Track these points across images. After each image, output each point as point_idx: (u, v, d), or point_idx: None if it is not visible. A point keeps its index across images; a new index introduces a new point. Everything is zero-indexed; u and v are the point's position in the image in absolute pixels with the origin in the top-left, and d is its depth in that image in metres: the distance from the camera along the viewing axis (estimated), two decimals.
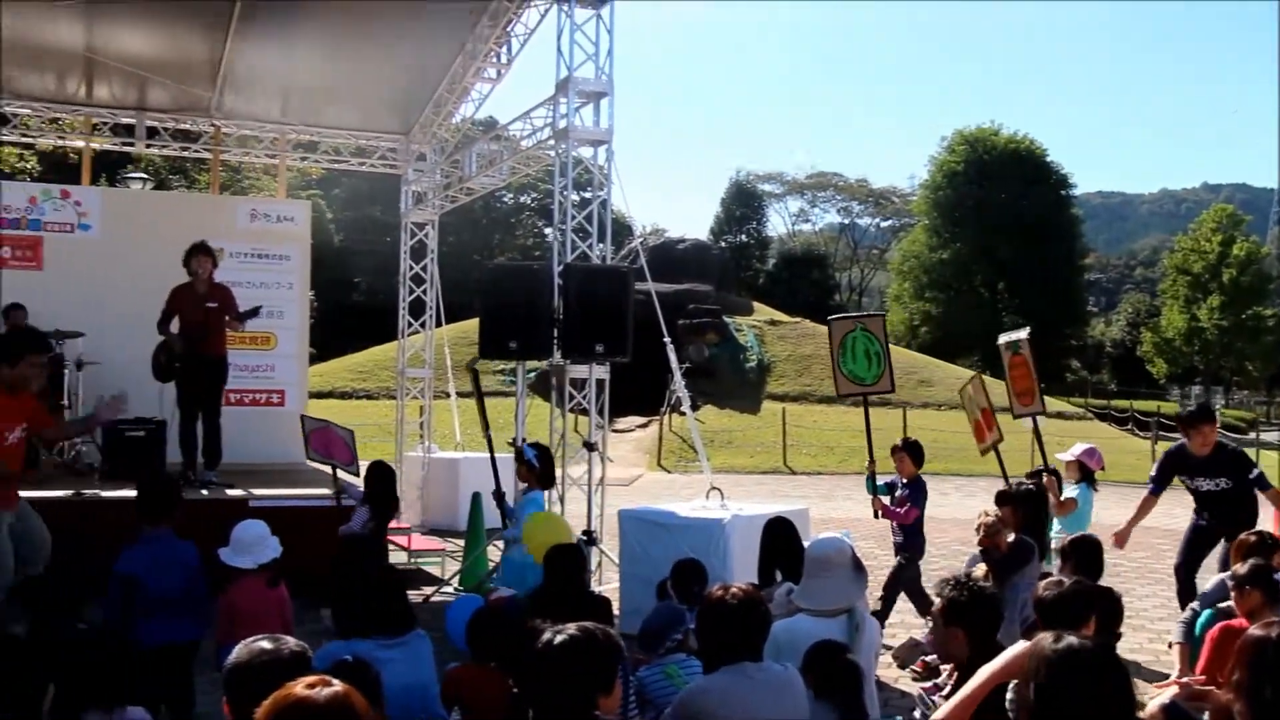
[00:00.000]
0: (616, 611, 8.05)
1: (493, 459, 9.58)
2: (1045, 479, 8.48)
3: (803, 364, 34.98)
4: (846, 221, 72.11)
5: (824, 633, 4.70)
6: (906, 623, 9.09)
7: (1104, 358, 66.97)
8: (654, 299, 11.73)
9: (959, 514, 15.46)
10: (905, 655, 7.81)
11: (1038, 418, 9.07)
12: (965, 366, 39.89)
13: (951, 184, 56.11)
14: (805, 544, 5.98)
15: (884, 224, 71.48)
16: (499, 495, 9.17)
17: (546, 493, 8.71)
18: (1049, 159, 57.42)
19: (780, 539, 6.67)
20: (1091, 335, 65.41)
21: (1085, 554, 6.27)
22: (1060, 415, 30.98)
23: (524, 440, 9.06)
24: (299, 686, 2.36)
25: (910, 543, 8.58)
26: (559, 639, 3.24)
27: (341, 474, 8.89)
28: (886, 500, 8.65)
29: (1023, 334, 9.21)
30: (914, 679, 7.53)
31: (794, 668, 4.22)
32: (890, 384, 9.07)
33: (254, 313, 10.60)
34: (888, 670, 7.62)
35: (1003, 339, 9.40)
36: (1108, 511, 10.06)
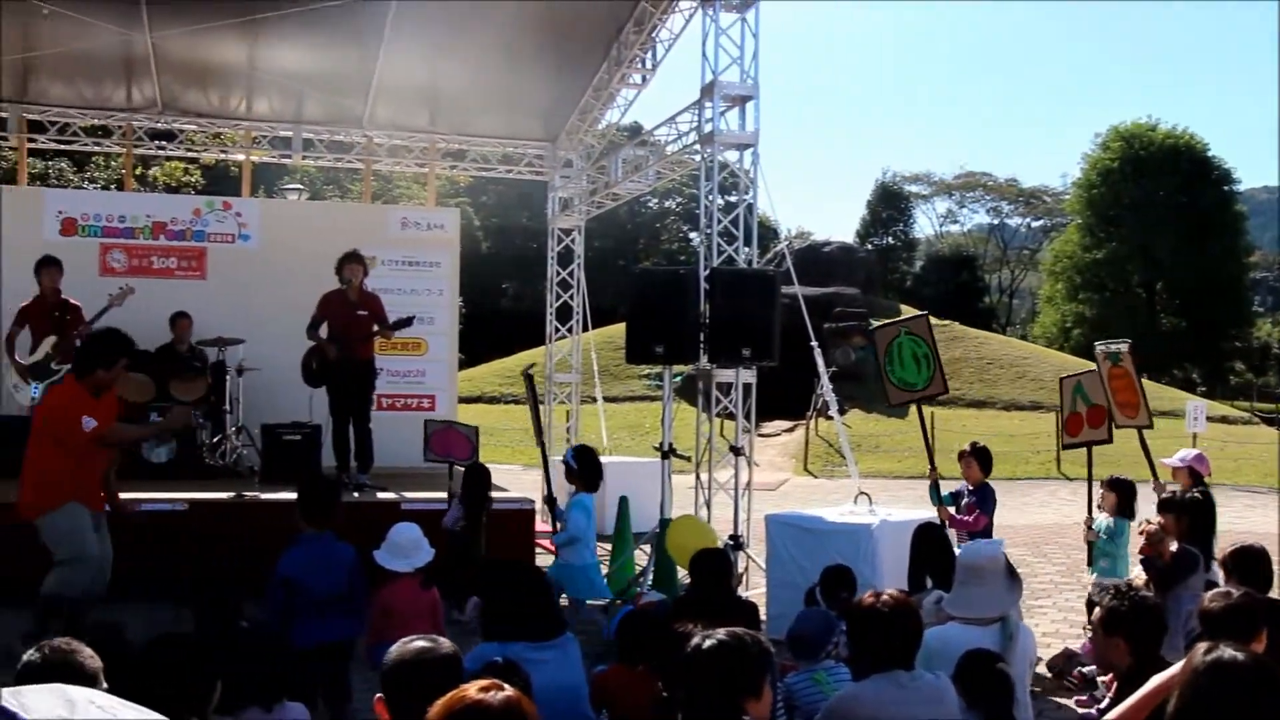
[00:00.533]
0: (763, 616, 8.01)
1: (545, 466, 9.62)
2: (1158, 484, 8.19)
3: (951, 368, 34.26)
4: (996, 222, 70.62)
5: (976, 641, 4.61)
6: (1061, 633, 8.88)
7: (1271, 360, 64.38)
8: (800, 302, 11.65)
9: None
10: (1061, 665, 7.63)
11: (1143, 431, 8.49)
12: None
13: (1106, 182, 54.50)
14: (955, 550, 5.89)
15: (1035, 224, 69.79)
16: (550, 500, 9.20)
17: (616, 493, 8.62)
18: (1210, 154, 55.44)
19: (930, 545, 6.56)
20: (1257, 337, 62.92)
21: (1248, 564, 5.93)
22: (1224, 420, 29.85)
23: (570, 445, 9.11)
24: (473, 690, 2.40)
25: None
26: (708, 643, 3.23)
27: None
28: (952, 510, 8.35)
29: (1123, 346, 8.74)
30: (1069, 691, 7.35)
31: (946, 676, 4.15)
32: (943, 386, 8.71)
33: (407, 322, 10.81)
34: (1041, 682, 7.44)
35: (1100, 346, 8.89)
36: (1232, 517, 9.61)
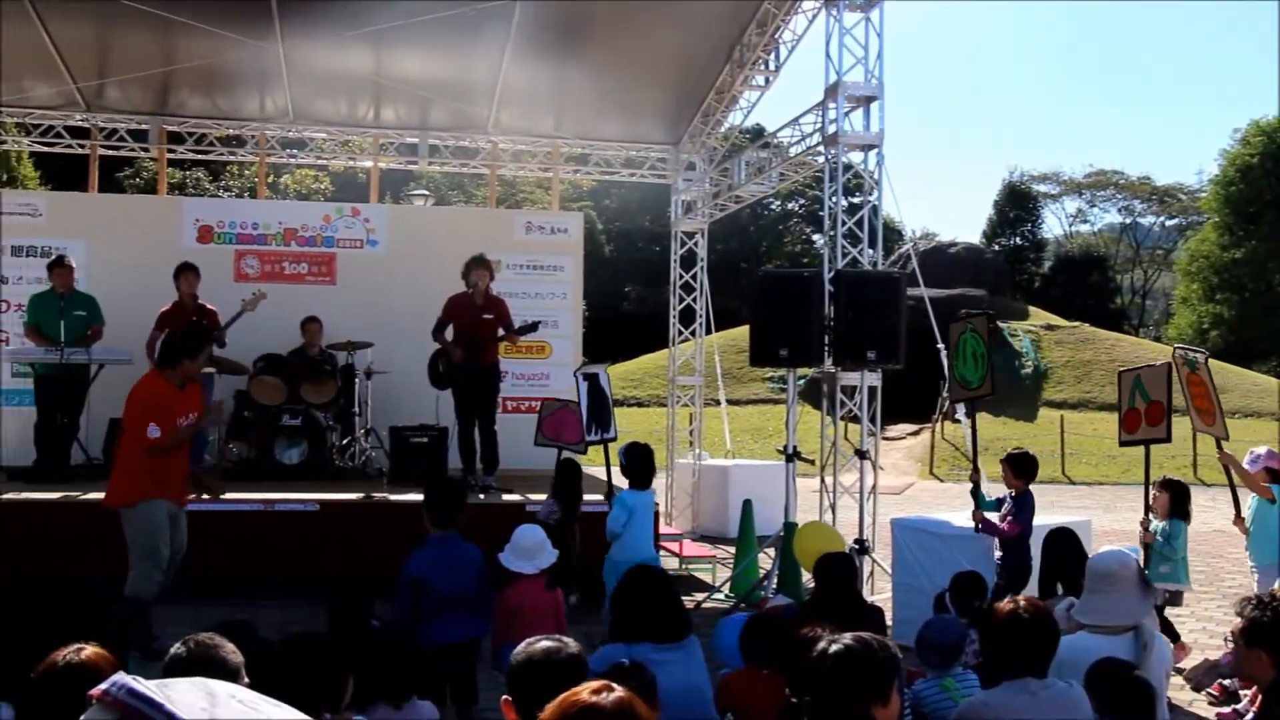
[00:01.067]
0: (890, 621, 7.92)
1: (606, 461, 9.58)
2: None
3: (1082, 370, 33.64)
4: (1128, 221, 68.78)
5: (1107, 650, 4.48)
6: (1201, 644, 8.63)
7: None
8: (926, 304, 11.50)
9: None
10: (1200, 678, 7.39)
11: (1221, 442, 7.94)
12: (1261, 372, 37.50)
13: (1246, 178, 52.71)
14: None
15: (1169, 223, 67.89)
16: (609, 495, 9.17)
17: (650, 491, 8.50)
18: None
19: (1063, 551, 6.42)
20: None
21: None
22: None
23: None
24: (585, 692, 2.39)
25: (1008, 560, 7.96)
26: (836, 647, 3.19)
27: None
28: (994, 517, 8.12)
29: (1200, 355, 8.29)
30: (1210, 703, 7.13)
31: (1079, 685, 4.05)
32: (990, 387, 8.50)
33: (532, 327, 10.91)
34: (1180, 693, 7.24)
35: (1178, 350, 8.42)
36: None
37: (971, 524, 8.18)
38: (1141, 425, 8.20)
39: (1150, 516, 8.17)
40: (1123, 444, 8.34)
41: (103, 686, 1.90)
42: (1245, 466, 8.08)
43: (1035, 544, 7.66)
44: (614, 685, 2.44)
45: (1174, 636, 7.96)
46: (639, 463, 8.35)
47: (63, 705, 2.90)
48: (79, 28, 12.28)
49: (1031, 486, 8.08)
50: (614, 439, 9.48)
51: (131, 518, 7.54)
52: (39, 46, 12.43)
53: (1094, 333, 36.19)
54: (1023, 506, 7.98)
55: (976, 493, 8.35)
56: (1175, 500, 8.15)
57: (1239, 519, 8.07)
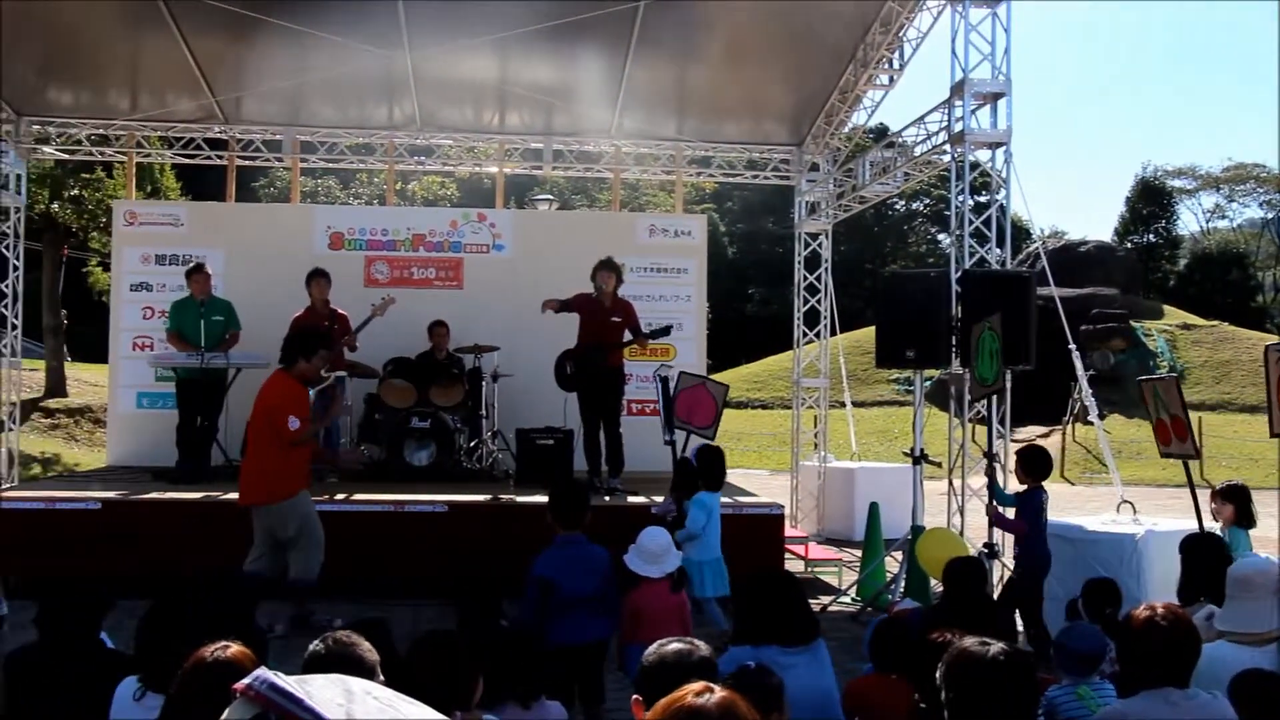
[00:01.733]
0: (1020, 627, 7.79)
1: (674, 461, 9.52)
2: None
3: (1220, 370, 32.68)
4: (1269, 216, 66.57)
5: (1248, 661, 4.33)
6: None
7: None
8: (1057, 304, 11.29)
9: None
10: None
11: None
12: None
13: None
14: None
15: None
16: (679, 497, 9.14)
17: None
18: None
19: (1203, 556, 6.23)
20: None
21: None
22: None
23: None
24: (689, 694, 2.41)
25: (1026, 554, 8.07)
26: (992, 651, 3.13)
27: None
28: (1011, 513, 8.18)
29: None
30: None
31: (1223, 696, 3.92)
32: (1002, 385, 8.68)
33: (664, 331, 10.93)
34: None
35: (1271, 344, 8.10)
36: None
37: (1103, 528, 8.01)
38: (1172, 440, 8.10)
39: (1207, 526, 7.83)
40: (1163, 455, 8.30)
41: (245, 681, 1.96)
42: None
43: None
44: (715, 687, 2.45)
45: None
46: (713, 464, 8.43)
47: (208, 699, 3.02)
48: (218, 43, 12.67)
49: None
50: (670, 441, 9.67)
51: (287, 511, 7.84)
52: (182, 63, 12.87)
53: (1233, 332, 35.11)
54: (1027, 504, 8.10)
55: (992, 485, 8.51)
56: (1240, 508, 7.74)
57: None
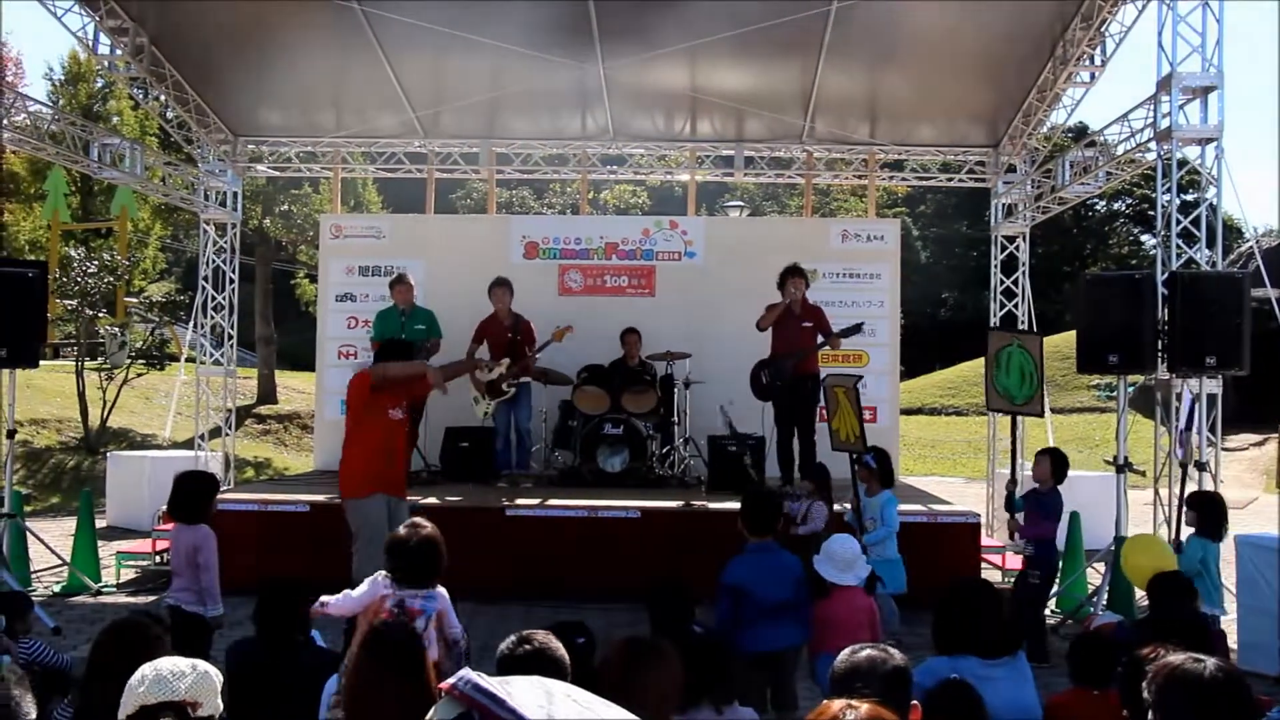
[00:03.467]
0: (1233, 644, 7.46)
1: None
2: None
3: None
4: None
5: None
6: None
7: None
8: (1273, 306, 10.78)
9: None
10: None
11: None
12: None
13: None
14: None
15: None
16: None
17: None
18: None
19: None
20: None
21: None
22: None
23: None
24: (835, 706, 2.40)
25: (1046, 555, 8.37)
26: (1206, 671, 3.00)
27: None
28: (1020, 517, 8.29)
29: None
30: None
31: None
32: (1040, 409, 8.79)
33: (855, 329, 10.84)
34: None
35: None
36: None
37: None
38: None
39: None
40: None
41: (451, 681, 2.02)
42: None
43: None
44: (856, 704, 2.45)
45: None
46: (888, 465, 8.63)
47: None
48: (419, 61, 13.09)
49: None
50: None
51: (356, 506, 7.89)
52: (384, 82, 13.34)
53: None
54: (1052, 505, 8.39)
55: (1011, 500, 8.58)
56: (1203, 517, 7.69)
57: None
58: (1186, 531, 8.01)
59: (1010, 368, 8.82)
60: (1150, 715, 3.05)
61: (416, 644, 3.34)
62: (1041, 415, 9.28)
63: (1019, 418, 9.40)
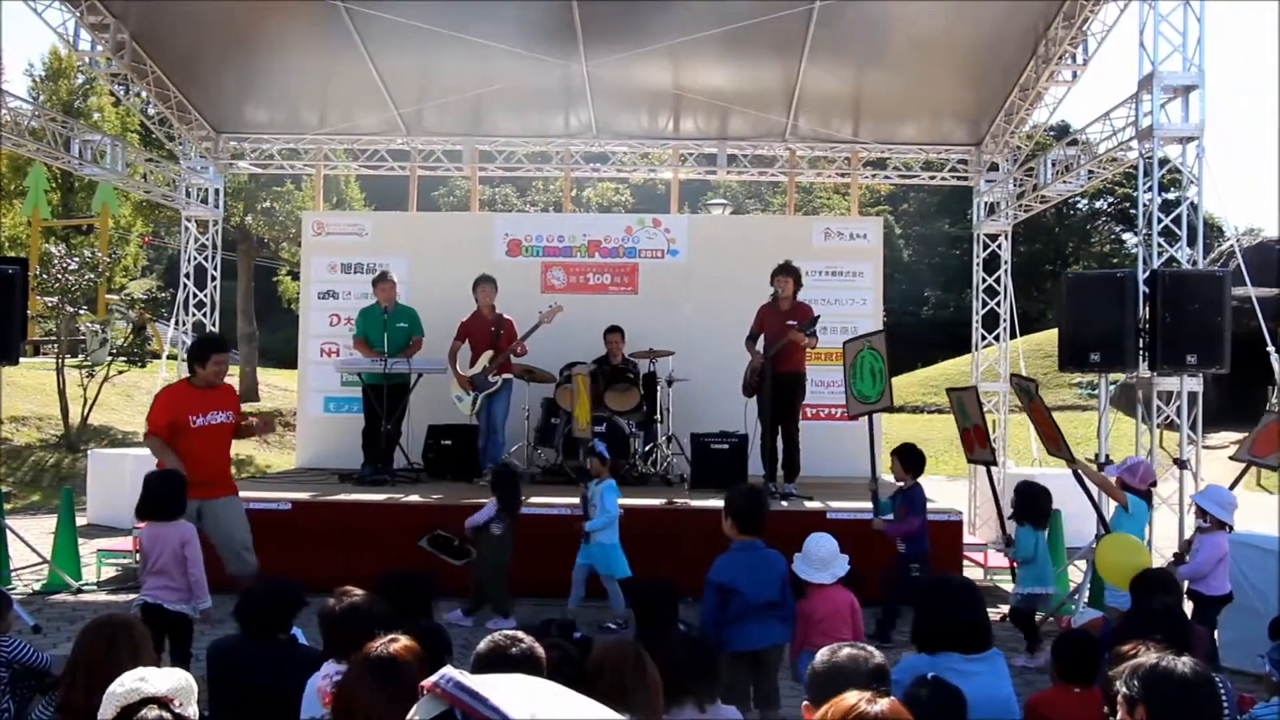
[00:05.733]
0: (1219, 643, 7.49)
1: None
2: None
3: None
4: None
5: None
6: None
7: None
8: (1254, 305, 10.84)
9: None
10: None
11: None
12: None
13: None
14: None
15: None
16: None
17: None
18: None
19: None
20: None
21: None
22: None
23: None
24: (861, 702, 2.41)
25: (917, 547, 8.54)
26: (1179, 669, 3.02)
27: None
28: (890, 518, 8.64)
29: (1031, 383, 8.42)
30: None
31: None
32: (889, 402, 9.09)
33: (812, 322, 10.81)
34: None
35: (1015, 379, 8.11)
36: None
37: None
38: (975, 447, 9.13)
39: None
40: (970, 461, 9.62)
41: (433, 679, 2.01)
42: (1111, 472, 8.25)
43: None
44: (876, 697, 2.45)
45: (1036, 640, 8.08)
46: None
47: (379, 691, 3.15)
48: (402, 58, 13.04)
49: None
50: None
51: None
52: (367, 79, 13.32)
53: None
54: (914, 500, 8.58)
55: (876, 500, 8.79)
56: (1025, 505, 8.14)
57: None
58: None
59: (863, 372, 9.20)
60: (1132, 712, 3.06)
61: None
62: (891, 408, 9.65)
63: (874, 417, 9.79)
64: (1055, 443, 8.78)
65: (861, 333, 10.25)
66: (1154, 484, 8.13)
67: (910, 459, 8.76)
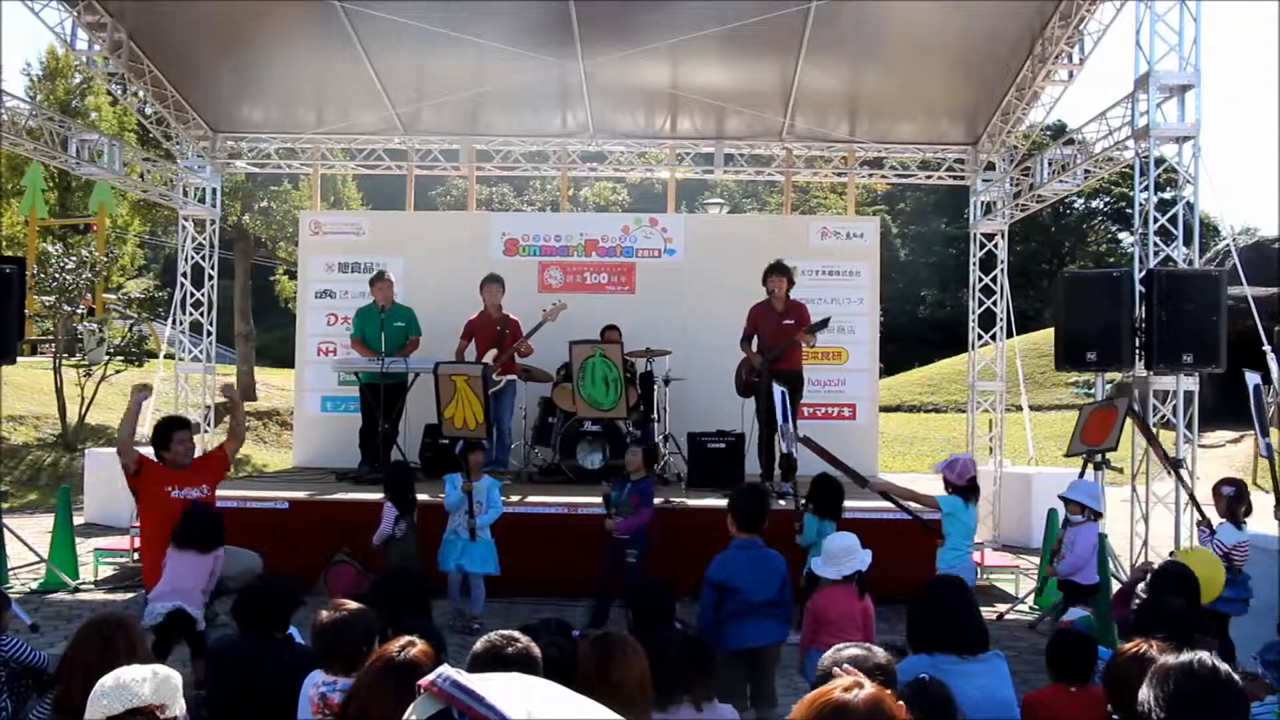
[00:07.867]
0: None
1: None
2: None
3: None
4: None
5: None
6: None
7: None
8: (1250, 304, 10.84)
9: None
10: None
11: None
12: None
13: None
14: None
15: None
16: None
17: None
18: None
19: None
20: None
21: None
22: None
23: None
24: (837, 689, 2.40)
25: (638, 539, 8.63)
26: (1207, 666, 3.00)
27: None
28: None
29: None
30: None
31: None
32: (625, 411, 9.93)
33: (823, 324, 10.84)
34: None
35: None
36: None
37: None
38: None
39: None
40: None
41: (430, 678, 2.01)
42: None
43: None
44: (864, 683, 2.44)
45: None
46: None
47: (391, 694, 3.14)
48: (399, 58, 13.04)
49: None
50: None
51: None
52: (364, 78, 13.31)
53: None
54: (647, 490, 8.78)
55: (607, 499, 8.80)
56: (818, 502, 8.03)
57: None
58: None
59: (595, 377, 9.70)
60: (1150, 711, 3.01)
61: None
62: (627, 417, 10.38)
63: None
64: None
65: (590, 339, 10.91)
66: (974, 478, 7.90)
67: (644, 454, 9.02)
